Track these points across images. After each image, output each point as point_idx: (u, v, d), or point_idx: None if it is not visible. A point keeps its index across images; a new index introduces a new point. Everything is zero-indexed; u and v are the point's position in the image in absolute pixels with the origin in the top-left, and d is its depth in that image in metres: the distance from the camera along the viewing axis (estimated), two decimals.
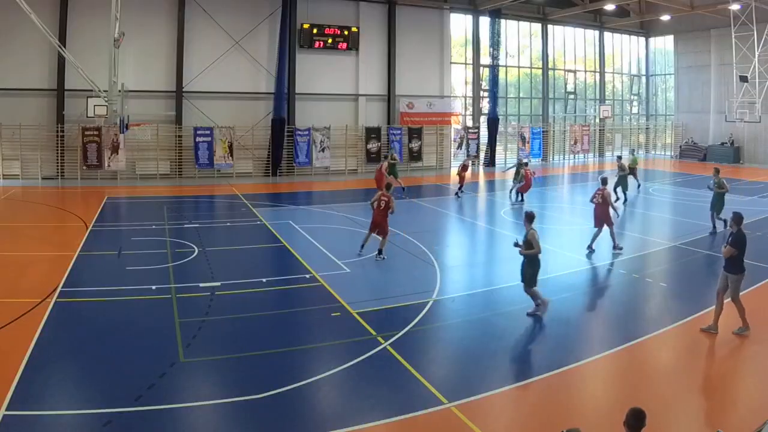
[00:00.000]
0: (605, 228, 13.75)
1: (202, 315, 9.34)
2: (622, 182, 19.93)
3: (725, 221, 14.27)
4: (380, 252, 12.73)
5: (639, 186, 23.18)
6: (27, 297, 9.81)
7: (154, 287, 10.62)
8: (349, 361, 7.76)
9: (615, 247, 13.58)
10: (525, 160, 23.17)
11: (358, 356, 7.88)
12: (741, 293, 10.63)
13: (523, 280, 9.67)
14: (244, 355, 7.97)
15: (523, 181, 20.26)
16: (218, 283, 10.80)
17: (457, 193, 21.90)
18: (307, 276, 11.50)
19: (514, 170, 21.59)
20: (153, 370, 7.34)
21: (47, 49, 21.81)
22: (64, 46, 20.47)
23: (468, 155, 23.71)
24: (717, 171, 16.17)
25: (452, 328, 9.25)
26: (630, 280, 11.66)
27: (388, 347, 8.18)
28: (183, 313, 9.35)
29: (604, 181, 14.14)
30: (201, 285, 10.77)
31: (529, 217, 9.77)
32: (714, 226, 15.53)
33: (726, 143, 34.27)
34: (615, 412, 6.61)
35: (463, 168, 22.44)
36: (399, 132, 29.23)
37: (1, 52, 22.32)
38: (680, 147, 36.84)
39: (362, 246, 12.89)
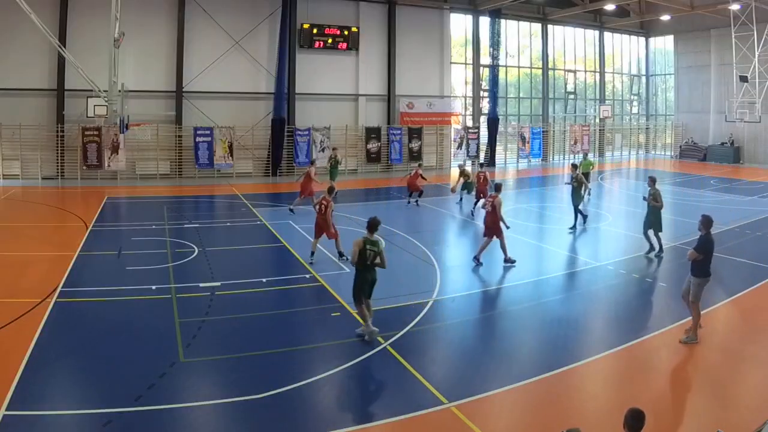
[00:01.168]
0: (501, 238, 12.59)
1: (202, 315, 9.33)
2: (574, 196, 16.31)
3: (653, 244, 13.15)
4: (341, 254, 12.62)
5: (588, 195, 20.13)
6: (27, 297, 9.81)
7: (154, 287, 10.61)
8: (349, 361, 7.76)
9: (506, 261, 12.34)
10: (464, 162, 22.25)
11: (358, 356, 7.88)
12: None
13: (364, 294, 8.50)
14: (244, 355, 7.97)
15: (474, 186, 18.92)
16: (218, 283, 10.80)
17: (409, 200, 19.92)
18: (307, 276, 11.50)
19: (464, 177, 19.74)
20: (153, 370, 7.34)
21: (47, 49, 21.80)
22: (64, 46, 20.47)
23: (420, 164, 21.34)
24: (653, 181, 13.58)
25: (452, 328, 9.25)
26: (630, 280, 11.65)
27: (388, 347, 8.18)
28: (183, 313, 9.35)
29: (498, 188, 13.07)
30: (201, 285, 10.77)
31: (372, 226, 8.48)
32: (651, 246, 13.28)
33: (726, 143, 34.26)
34: (615, 412, 6.61)
35: (414, 176, 20.08)
36: (399, 132, 29.23)
37: (1, 52, 22.32)
38: (680, 147, 36.84)
39: (312, 253, 12.59)
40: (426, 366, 7.70)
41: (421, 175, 20.19)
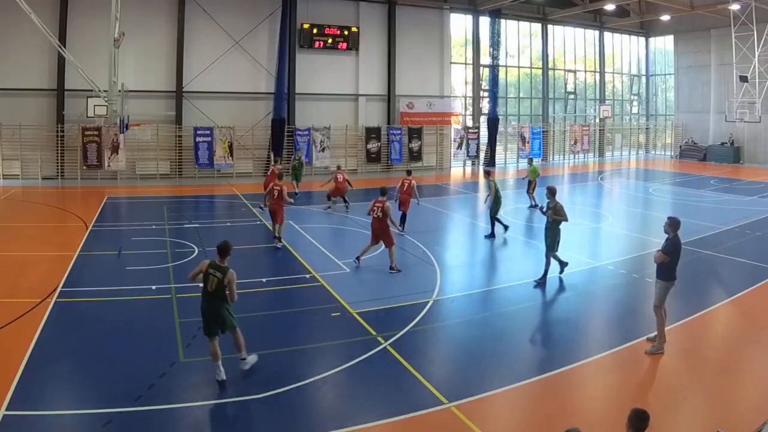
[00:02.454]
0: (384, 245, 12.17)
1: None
2: (495, 205, 15.04)
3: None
4: (279, 239, 13.78)
5: (532, 206, 19.02)
6: (27, 297, 9.81)
7: (154, 287, 10.61)
8: (349, 361, 7.76)
9: (391, 268, 11.85)
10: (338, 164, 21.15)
11: (358, 356, 7.88)
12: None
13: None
14: None
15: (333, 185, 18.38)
16: None
17: (329, 206, 18.59)
18: (307, 276, 11.50)
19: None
20: (153, 370, 7.34)
21: (47, 49, 21.80)
22: (64, 46, 20.47)
23: (338, 166, 19.89)
24: (552, 192, 11.60)
25: (452, 328, 9.25)
26: (630, 280, 11.65)
27: (388, 347, 8.18)
28: (183, 313, 9.34)
29: (383, 192, 12.38)
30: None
31: (221, 251, 7.51)
32: (561, 264, 11.63)
33: (726, 143, 34.27)
34: (615, 412, 6.62)
35: (342, 181, 18.48)
36: (399, 132, 29.24)
37: (1, 52, 22.32)
38: (680, 147, 36.85)
39: (278, 238, 13.86)
40: (426, 366, 7.70)
41: (348, 181, 18.55)
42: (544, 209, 11.71)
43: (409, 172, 16.48)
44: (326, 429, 6.18)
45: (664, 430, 6.21)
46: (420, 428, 6.34)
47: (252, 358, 7.53)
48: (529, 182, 19.73)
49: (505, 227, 15.43)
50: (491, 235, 15.07)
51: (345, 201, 18.71)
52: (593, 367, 7.81)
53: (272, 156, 21.26)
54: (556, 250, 11.41)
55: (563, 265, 11.65)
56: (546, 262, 11.39)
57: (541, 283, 11.23)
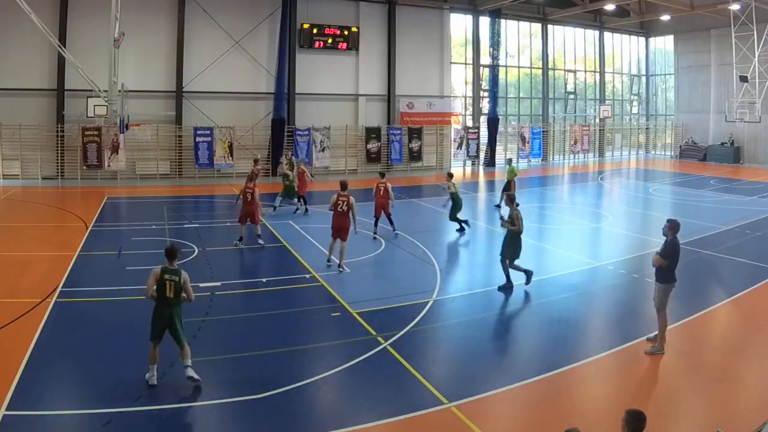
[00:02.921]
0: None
1: (202, 315, 9.33)
2: (454, 205, 15.50)
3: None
4: (241, 239, 13.69)
5: (498, 205, 18.88)
6: (27, 297, 9.81)
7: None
8: (349, 361, 7.76)
9: (339, 265, 11.80)
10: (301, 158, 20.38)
11: (358, 356, 7.88)
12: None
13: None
14: (244, 355, 7.97)
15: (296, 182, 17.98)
16: (218, 283, 10.80)
17: (298, 207, 17.90)
18: (307, 276, 11.50)
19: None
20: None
21: (47, 49, 21.80)
22: (64, 46, 20.47)
23: (302, 159, 19.29)
24: (510, 200, 10.99)
25: (452, 328, 9.25)
26: (630, 280, 11.65)
27: (388, 347, 8.18)
28: (183, 313, 9.32)
29: (344, 186, 12.21)
30: (201, 285, 10.74)
31: (170, 254, 7.24)
32: (507, 279, 10.85)
33: (726, 143, 34.27)
34: (615, 412, 6.60)
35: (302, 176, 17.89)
36: (399, 132, 29.23)
37: (1, 52, 22.32)
38: (680, 147, 36.85)
39: (259, 235, 13.85)
40: (426, 366, 7.70)
41: (307, 174, 18.18)
42: (503, 217, 11.13)
43: (382, 174, 15.90)
44: (326, 429, 6.18)
45: (664, 430, 6.21)
46: (420, 428, 6.34)
47: (195, 375, 7.04)
48: (508, 182, 19.17)
49: (462, 229, 15.59)
50: (461, 230, 15.55)
51: (304, 201, 18.05)
52: (593, 367, 7.80)
53: (288, 157, 20.06)
54: (518, 258, 10.73)
55: (528, 274, 10.85)
56: (504, 270, 10.79)
57: (506, 288, 10.71)
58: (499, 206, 18.67)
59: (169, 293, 7.07)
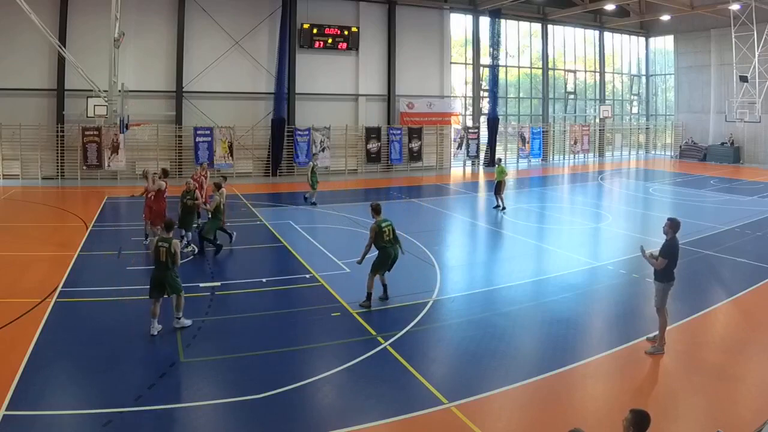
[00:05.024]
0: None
1: (202, 315, 9.33)
2: (211, 222, 13.15)
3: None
4: (183, 237, 13.22)
5: (497, 207, 18.64)
6: (27, 297, 9.81)
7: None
8: (349, 361, 7.76)
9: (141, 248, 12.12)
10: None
11: (358, 356, 7.88)
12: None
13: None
14: (244, 355, 7.97)
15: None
16: (218, 283, 10.80)
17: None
18: (307, 276, 11.50)
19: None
20: (153, 370, 7.35)
21: (47, 49, 21.81)
22: (64, 46, 20.46)
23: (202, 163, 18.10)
24: (376, 211, 9.93)
25: (452, 328, 9.25)
26: (630, 280, 11.65)
27: (388, 347, 8.18)
28: (183, 314, 9.34)
29: (166, 173, 12.77)
30: (201, 285, 10.76)
31: (168, 226, 8.91)
32: (384, 290, 10.08)
33: (726, 143, 34.28)
34: (615, 412, 6.61)
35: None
36: (399, 132, 29.24)
37: (1, 52, 22.32)
38: (680, 147, 36.86)
39: (184, 236, 13.34)
40: (426, 366, 7.70)
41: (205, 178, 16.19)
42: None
43: (219, 183, 13.67)
44: (326, 429, 6.18)
45: (664, 430, 6.20)
46: (420, 428, 6.34)
47: (186, 322, 8.72)
48: (499, 183, 18.78)
49: (215, 244, 13.05)
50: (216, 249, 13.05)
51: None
52: (593, 367, 7.80)
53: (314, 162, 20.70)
54: (389, 270, 9.99)
55: (385, 289, 10.09)
56: (383, 285, 10.09)
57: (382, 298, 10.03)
58: (498, 208, 18.58)
59: (161, 257, 8.47)
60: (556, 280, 11.59)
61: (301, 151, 26.90)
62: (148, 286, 8.60)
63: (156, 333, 8.44)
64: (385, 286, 10.03)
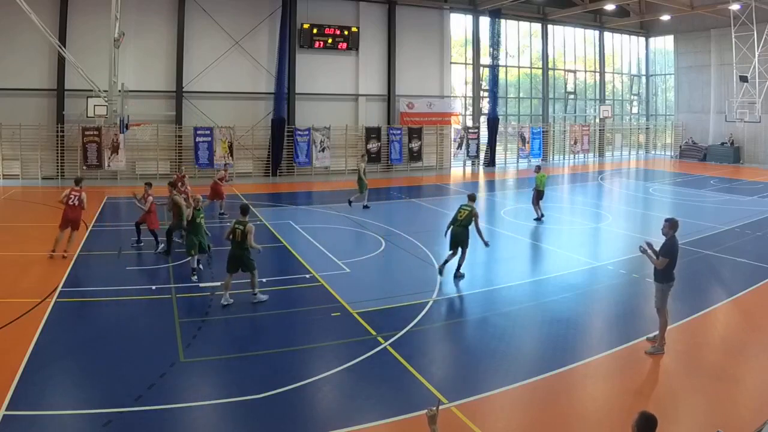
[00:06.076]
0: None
1: (202, 315, 9.34)
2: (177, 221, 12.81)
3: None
4: (138, 241, 13.55)
5: (538, 218, 17.30)
6: (27, 297, 9.81)
7: (154, 287, 10.62)
8: (349, 361, 7.76)
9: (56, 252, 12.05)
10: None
11: (358, 356, 7.88)
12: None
13: None
14: (244, 355, 7.97)
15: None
16: (218, 283, 10.79)
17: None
18: (307, 276, 11.50)
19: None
20: (153, 370, 7.34)
21: (47, 49, 21.80)
22: (64, 46, 20.46)
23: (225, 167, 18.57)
24: (243, 211, 10.23)
25: (452, 328, 9.25)
26: (630, 280, 11.66)
27: (388, 347, 8.18)
28: (183, 313, 9.35)
29: (78, 181, 12.76)
30: (201, 285, 10.77)
31: (243, 210, 10.17)
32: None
33: (726, 143, 34.28)
34: (615, 412, 6.62)
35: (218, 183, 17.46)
36: (399, 132, 29.23)
37: (1, 52, 22.31)
38: (680, 147, 36.85)
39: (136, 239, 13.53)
40: (426, 366, 7.70)
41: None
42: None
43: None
44: (326, 429, 6.18)
45: (664, 430, 6.19)
46: (420, 428, 6.31)
47: (261, 297, 9.83)
48: (538, 192, 17.31)
49: (167, 251, 12.88)
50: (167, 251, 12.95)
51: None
52: (593, 367, 7.80)
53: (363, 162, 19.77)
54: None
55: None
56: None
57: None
58: (540, 218, 17.13)
59: (237, 238, 9.64)
60: (556, 280, 11.59)
61: (301, 151, 26.90)
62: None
63: (227, 304, 9.53)
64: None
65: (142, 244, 13.67)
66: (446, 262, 11.48)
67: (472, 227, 11.45)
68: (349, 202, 19.11)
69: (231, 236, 9.73)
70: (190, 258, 11.29)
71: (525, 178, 28.32)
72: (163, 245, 13.17)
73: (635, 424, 4.30)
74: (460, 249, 11.41)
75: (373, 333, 8.71)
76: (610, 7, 33.00)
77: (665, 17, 34.00)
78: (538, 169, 18.09)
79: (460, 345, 8.62)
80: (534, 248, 14.62)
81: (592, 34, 37.51)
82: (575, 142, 35.49)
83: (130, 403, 6.53)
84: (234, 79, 25.94)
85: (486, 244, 11.54)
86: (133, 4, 22.79)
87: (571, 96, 37.58)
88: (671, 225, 8.24)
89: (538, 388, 7.19)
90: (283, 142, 26.22)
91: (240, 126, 25.82)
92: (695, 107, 36.22)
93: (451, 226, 11.52)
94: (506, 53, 33.86)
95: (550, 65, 35.81)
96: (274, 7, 26.20)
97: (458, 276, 11.41)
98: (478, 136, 32.11)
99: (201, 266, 11.70)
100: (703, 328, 9.41)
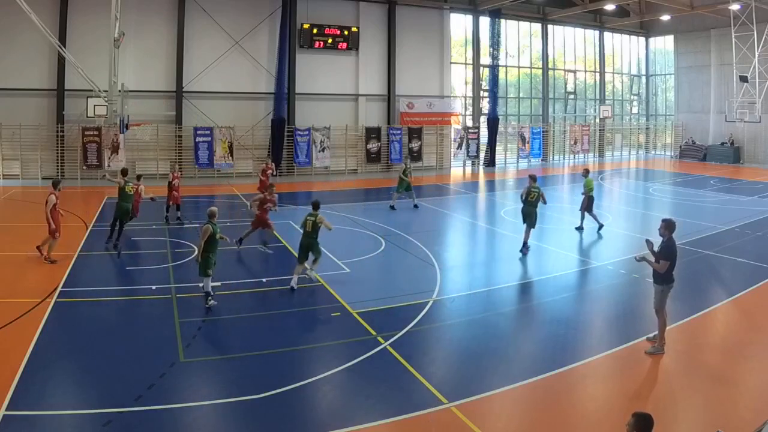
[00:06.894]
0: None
1: (202, 315, 9.34)
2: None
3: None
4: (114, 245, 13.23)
5: (579, 228, 15.99)
6: (27, 297, 9.81)
7: (154, 287, 10.62)
8: (349, 361, 7.76)
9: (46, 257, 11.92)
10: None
11: (358, 356, 7.88)
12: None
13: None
14: (244, 355, 7.97)
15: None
16: (218, 283, 10.78)
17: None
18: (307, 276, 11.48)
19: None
20: (153, 370, 7.34)
21: (47, 49, 21.81)
22: (64, 46, 20.47)
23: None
24: (211, 214, 10.24)
25: (452, 328, 9.25)
26: (630, 280, 11.65)
27: (388, 347, 8.18)
28: (183, 313, 9.35)
29: (56, 184, 12.41)
30: (201, 285, 10.75)
31: (315, 206, 11.24)
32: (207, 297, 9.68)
33: (726, 143, 34.28)
34: (615, 413, 6.62)
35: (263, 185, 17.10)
36: (399, 132, 29.23)
37: (1, 52, 22.32)
38: (680, 147, 36.85)
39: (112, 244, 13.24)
40: (426, 366, 7.70)
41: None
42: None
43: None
44: (326, 429, 6.18)
45: (664, 430, 6.20)
46: (420, 428, 6.34)
47: (312, 274, 10.94)
48: (590, 198, 15.62)
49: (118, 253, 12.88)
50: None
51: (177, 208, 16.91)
52: (593, 367, 7.80)
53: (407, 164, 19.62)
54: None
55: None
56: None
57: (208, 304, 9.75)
58: (597, 227, 15.79)
59: (308, 228, 10.83)
60: (556, 280, 11.59)
61: (301, 151, 26.91)
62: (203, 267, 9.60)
63: (295, 287, 10.42)
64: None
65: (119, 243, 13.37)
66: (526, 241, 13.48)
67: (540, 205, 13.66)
68: (391, 207, 18.80)
69: (303, 227, 10.93)
70: (204, 280, 9.74)
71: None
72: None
73: (632, 426, 4.27)
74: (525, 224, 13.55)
75: (373, 333, 8.71)
76: (610, 7, 33.01)
77: (665, 17, 34.00)
78: (586, 173, 16.25)
79: (459, 345, 8.62)
80: (534, 248, 14.60)
81: (592, 34, 37.52)
82: (575, 142, 35.49)
83: (130, 403, 6.53)
84: (234, 79, 25.95)
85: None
86: (133, 4, 22.80)
87: (571, 96, 37.58)
88: (667, 226, 8.19)
89: (537, 388, 7.19)
90: (283, 142, 26.22)
91: (240, 126, 25.83)
92: (695, 107, 36.22)
93: (523, 205, 13.67)
94: (506, 53, 33.87)
95: (550, 65, 35.81)
96: (274, 7, 26.21)
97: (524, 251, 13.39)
98: (478, 136, 32.11)
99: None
100: (703, 329, 9.41)
